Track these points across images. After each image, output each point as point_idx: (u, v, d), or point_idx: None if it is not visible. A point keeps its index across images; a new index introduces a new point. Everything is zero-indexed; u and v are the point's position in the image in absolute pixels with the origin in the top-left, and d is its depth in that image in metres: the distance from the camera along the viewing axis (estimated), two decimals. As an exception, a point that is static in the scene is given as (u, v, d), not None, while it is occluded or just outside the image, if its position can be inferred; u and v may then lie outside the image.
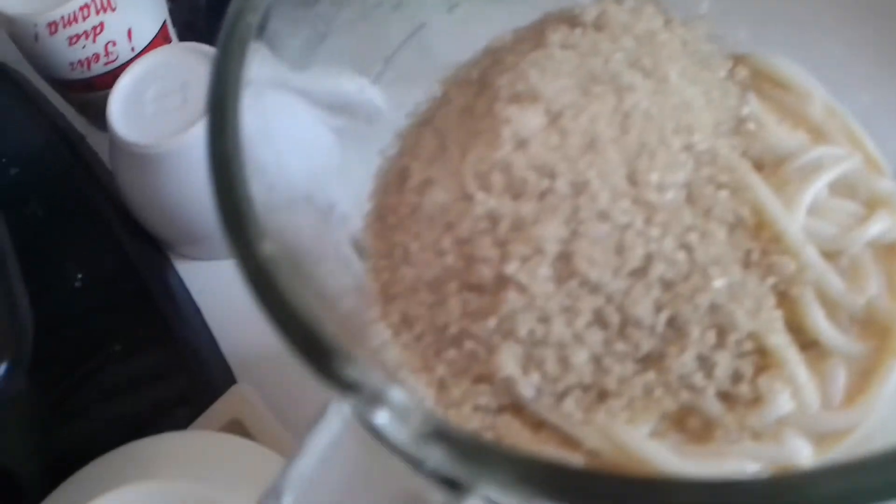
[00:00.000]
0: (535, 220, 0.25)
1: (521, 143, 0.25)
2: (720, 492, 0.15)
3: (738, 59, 0.30)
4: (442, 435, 0.18)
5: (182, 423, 0.49)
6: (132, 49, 0.55)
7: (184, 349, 0.53)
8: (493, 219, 0.25)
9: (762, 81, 0.30)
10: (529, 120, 0.25)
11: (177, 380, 0.53)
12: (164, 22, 0.57)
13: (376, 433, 0.19)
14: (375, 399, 0.18)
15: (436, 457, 0.18)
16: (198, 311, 0.55)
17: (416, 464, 0.19)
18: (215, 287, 0.55)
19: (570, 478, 0.16)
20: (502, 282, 0.25)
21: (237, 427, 0.47)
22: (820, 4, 0.28)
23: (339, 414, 0.20)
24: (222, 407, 0.48)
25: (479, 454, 0.17)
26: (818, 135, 0.29)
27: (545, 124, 0.25)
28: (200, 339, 0.55)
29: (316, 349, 0.18)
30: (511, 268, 0.25)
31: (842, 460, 0.16)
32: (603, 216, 0.25)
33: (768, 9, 0.29)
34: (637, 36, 0.29)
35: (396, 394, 0.18)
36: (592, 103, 0.26)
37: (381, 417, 0.18)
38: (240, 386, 0.49)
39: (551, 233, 0.25)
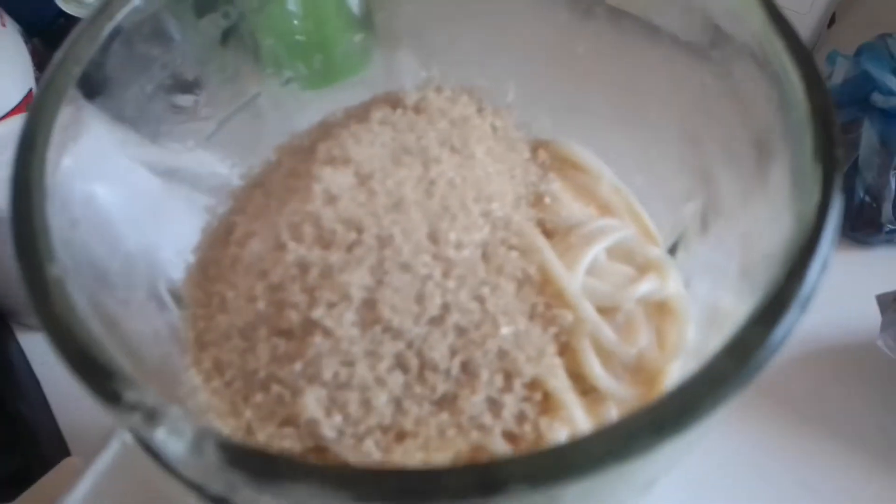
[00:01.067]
0: (343, 268, 0.27)
1: (331, 199, 0.27)
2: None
3: (542, 144, 0.35)
4: (224, 446, 0.19)
5: (8, 499, 0.46)
6: (-10, 111, 0.55)
7: (18, 424, 0.51)
8: (303, 267, 0.27)
9: (561, 164, 0.34)
10: (339, 179, 0.28)
11: (8, 455, 0.50)
12: (31, 90, 0.57)
13: (157, 457, 0.20)
14: (154, 417, 0.19)
15: (217, 469, 0.18)
16: (37, 383, 0.53)
17: (201, 487, 0.20)
18: (58, 359, 0.54)
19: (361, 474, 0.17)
20: (309, 326, 0.27)
21: (64, 502, 0.45)
22: (603, 99, 0.33)
23: (119, 443, 0.21)
24: (50, 481, 0.46)
25: (266, 464, 0.18)
26: (605, 209, 0.33)
27: (354, 184, 0.28)
28: (36, 413, 0.53)
29: (93, 370, 0.19)
30: (318, 313, 0.27)
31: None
32: (405, 267, 0.27)
33: (567, 102, 0.34)
34: (452, 119, 0.33)
35: (174, 410, 0.19)
36: (401, 170, 0.29)
37: (160, 434, 0.19)
38: (70, 459, 0.47)
39: (357, 280, 0.27)
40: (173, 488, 0.21)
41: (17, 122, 0.52)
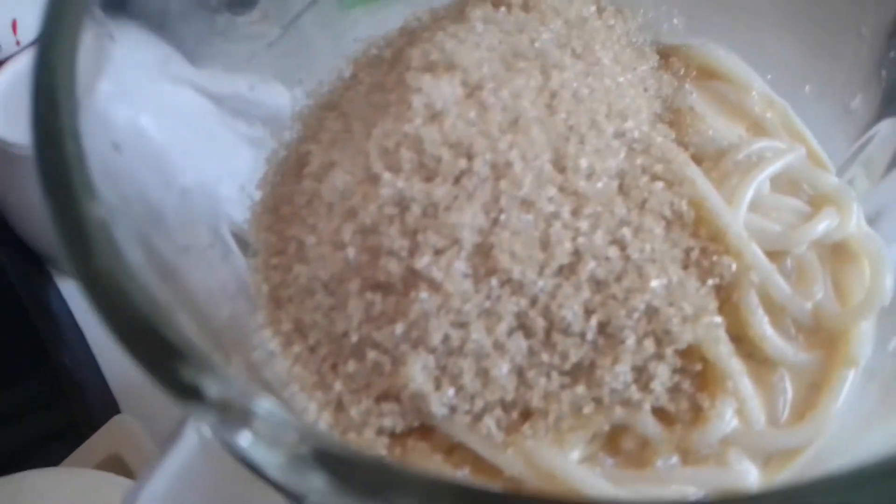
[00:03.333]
0: (450, 205, 0.21)
1: (435, 116, 0.22)
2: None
3: (674, 49, 0.28)
4: (325, 458, 0.14)
5: (57, 459, 0.43)
6: (17, 43, 0.50)
7: (62, 376, 0.48)
8: (402, 204, 0.21)
9: (699, 72, 0.28)
10: (444, 90, 0.22)
11: (54, 409, 0.47)
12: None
13: (244, 460, 0.15)
14: (239, 415, 0.14)
15: (318, 487, 0.14)
16: (80, 333, 0.50)
17: (294, 497, 0.15)
18: (103, 307, 0.50)
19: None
20: (412, 279, 0.21)
21: (116, 463, 0.42)
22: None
23: (197, 432, 0.16)
24: (101, 440, 0.43)
25: (375, 480, 0.14)
26: (758, 128, 0.26)
27: (462, 96, 0.22)
28: (81, 365, 0.49)
29: (155, 347, 0.13)
30: (422, 262, 0.21)
31: (790, 483, 0.13)
32: (526, 204, 0.22)
33: (705, -5, 0.27)
34: (568, 20, 0.27)
35: (265, 406, 0.14)
36: (516, 78, 0.23)
37: (245, 439, 0.14)
38: (122, 417, 0.44)
39: (468, 221, 0.21)
40: (260, 492, 0.16)
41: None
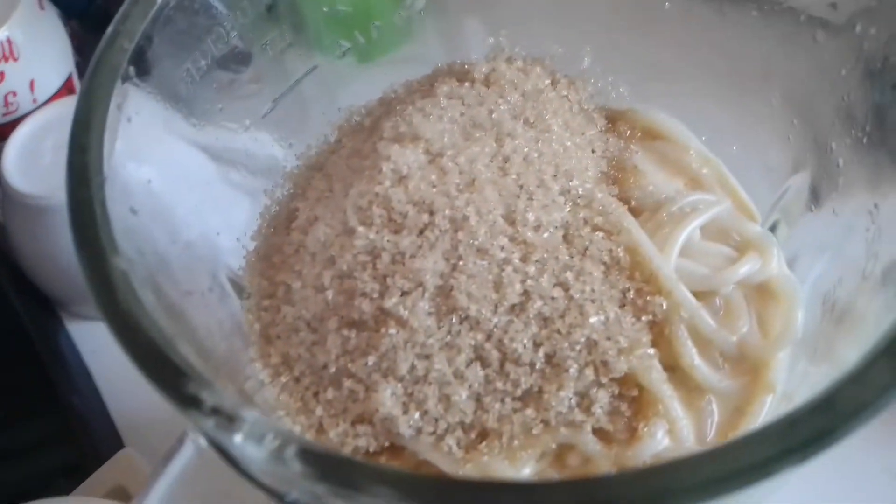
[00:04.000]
0: (415, 254, 0.25)
1: (401, 179, 0.25)
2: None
3: (621, 114, 0.32)
4: (306, 453, 0.17)
5: (65, 493, 0.45)
6: (34, 101, 0.54)
7: (70, 415, 0.51)
8: (374, 253, 0.25)
9: (644, 134, 0.31)
10: (409, 157, 0.25)
11: (62, 446, 0.50)
12: (70, 74, 0.56)
13: (234, 463, 0.18)
14: (232, 422, 0.17)
15: (300, 480, 0.17)
16: (88, 374, 0.53)
17: (279, 494, 0.19)
18: (108, 348, 0.52)
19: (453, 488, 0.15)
20: (382, 317, 0.25)
21: (121, 494, 0.44)
22: (691, 65, 0.30)
23: (193, 446, 0.19)
24: (107, 473, 0.45)
25: (348, 471, 0.16)
26: (695, 183, 0.30)
27: (425, 162, 0.26)
28: (88, 404, 0.52)
29: (167, 370, 0.17)
30: (391, 302, 0.24)
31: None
32: (481, 252, 0.25)
33: (646, 67, 0.31)
34: (524, 92, 0.30)
35: (252, 415, 0.17)
36: (473, 146, 0.27)
37: (238, 438, 0.17)
38: (126, 451, 0.46)
39: (431, 266, 0.25)
40: (250, 493, 0.19)
41: (58, 108, 0.51)
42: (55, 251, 0.49)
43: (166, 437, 0.39)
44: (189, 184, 0.25)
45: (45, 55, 0.54)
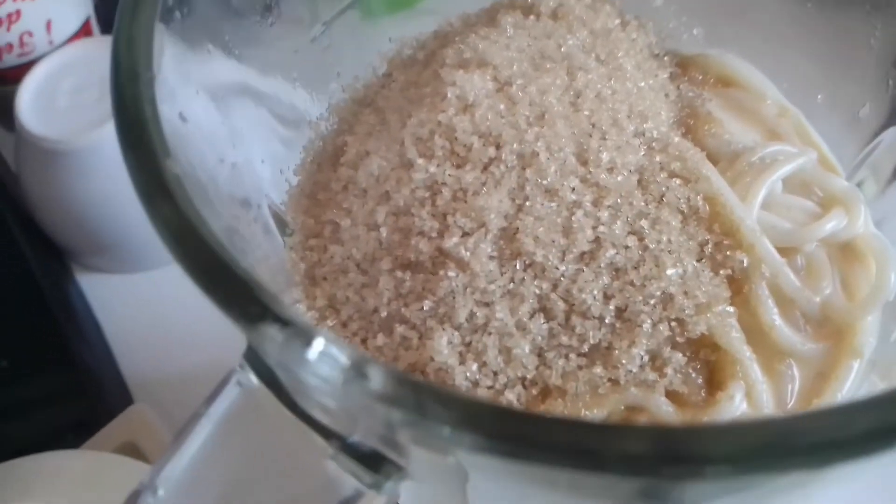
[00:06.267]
0: (478, 191, 0.23)
1: (467, 108, 0.23)
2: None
3: (694, 59, 0.30)
4: (388, 370, 0.14)
5: (74, 447, 0.44)
6: (50, 42, 0.51)
7: (79, 369, 0.49)
8: (434, 188, 0.23)
9: (716, 80, 0.29)
10: (476, 83, 0.23)
11: (70, 401, 0.48)
12: (88, 17, 0.54)
13: (291, 400, 0.16)
14: (304, 335, 0.15)
15: (379, 403, 0.14)
16: (98, 327, 0.51)
17: (340, 435, 0.16)
18: (119, 302, 0.51)
19: (523, 420, 0.13)
20: (440, 258, 0.23)
21: (131, 449, 0.43)
22: (772, 6, 0.28)
23: (238, 388, 0.17)
24: (116, 428, 0.44)
25: (420, 390, 0.14)
26: (772, 134, 0.28)
27: (492, 90, 0.23)
28: (98, 357, 0.50)
29: (231, 280, 0.15)
30: (451, 242, 0.22)
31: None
32: (550, 193, 0.23)
33: (722, 8, 0.29)
34: (593, 30, 0.28)
35: (325, 332, 0.15)
36: (543, 76, 0.24)
37: (312, 355, 0.15)
38: (137, 406, 0.45)
39: (495, 205, 0.22)
40: (300, 440, 0.17)
41: (75, 50, 0.48)
42: (69, 199, 0.47)
43: (177, 394, 0.37)
44: (232, 102, 0.23)
45: (64, -2, 0.51)
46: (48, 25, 0.51)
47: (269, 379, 0.16)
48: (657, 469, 0.14)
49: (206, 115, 0.20)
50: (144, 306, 0.50)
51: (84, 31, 0.53)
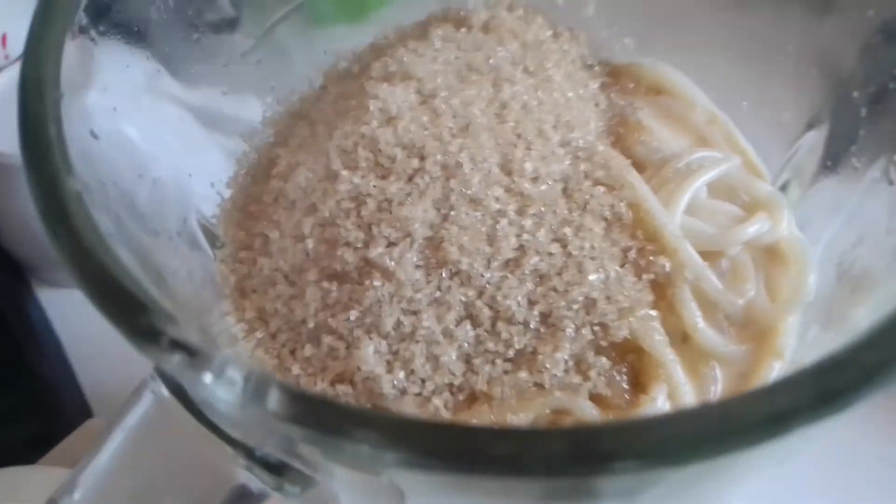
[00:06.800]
0: (403, 201, 0.23)
1: (390, 119, 0.23)
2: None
3: (625, 68, 0.30)
4: (287, 391, 0.15)
5: (32, 461, 0.44)
6: (6, 56, 0.51)
7: (39, 383, 0.49)
8: (358, 199, 0.23)
9: (647, 88, 0.30)
10: (399, 96, 0.23)
11: (29, 415, 0.48)
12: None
13: (200, 413, 0.17)
14: (199, 357, 0.15)
15: (279, 423, 0.15)
16: (57, 342, 0.51)
17: (248, 448, 0.17)
18: (79, 316, 0.51)
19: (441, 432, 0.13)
20: (367, 268, 0.23)
21: (89, 465, 0.42)
22: (700, 16, 0.29)
23: (152, 397, 0.17)
24: (73, 443, 0.44)
25: (336, 413, 0.14)
26: (701, 140, 0.28)
27: (416, 103, 0.24)
28: (57, 373, 0.50)
29: (124, 299, 0.15)
30: (376, 252, 0.23)
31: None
32: (475, 202, 0.23)
33: (652, 18, 0.29)
34: (525, 42, 0.28)
35: (223, 353, 0.15)
36: (468, 88, 0.25)
37: (207, 378, 0.15)
38: (94, 421, 0.45)
39: (420, 215, 0.23)
40: (215, 449, 0.18)
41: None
42: (27, 213, 0.47)
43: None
44: (161, 125, 0.23)
45: (18, 8, 0.51)
46: (3, 39, 0.51)
47: (178, 391, 0.16)
48: (572, 468, 0.15)
49: (123, 130, 0.20)
50: (104, 321, 0.50)
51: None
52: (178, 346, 0.14)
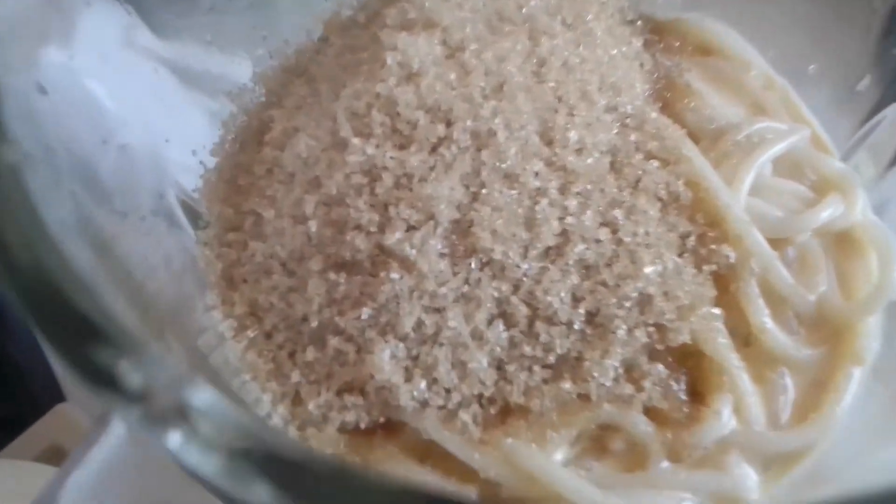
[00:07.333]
0: (426, 176, 0.19)
1: (411, 77, 0.19)
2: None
3: (670, 24, 0.26)
4: (272, 461, 0.11)
5: (0, 445, 0.41)
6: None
7: (7, 366, 0.46)
8: (372, 173, 0.19)
9: (695, 48, 0.26)
10: (421, 48, 0.20)
11: (-4, 398, 0.45)
12: None
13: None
14: (166, 410, 0.11)
15: (262, 496, 0.11)
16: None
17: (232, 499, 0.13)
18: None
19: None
20: (381, 257, 0.19)
21: (57, 453, 0.39)
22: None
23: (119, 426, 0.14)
24: (42, 430, 0.40)
25: (331, 487, 0.11)
26: (757, 108, 0.25)
27: (441, 56, 0.20)
28: (25, 353, 0.47)
29: (65, 320, 0.11)
30: (394, 238, 0.19)
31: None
32: (510, 178, 0.20)
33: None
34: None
35: (203, 397, 0.12)
36: (501, 41, 0.21)
37: (174, 441, 0.11)
38: (64, 406, 0.41)
39: (446, 194, 0.19)
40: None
41: None
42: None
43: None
44: (129, 73, 0.19)
45: None
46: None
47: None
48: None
49: (84, 85, 0.16)
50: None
51: None
52: (136, 397, 0.10)
